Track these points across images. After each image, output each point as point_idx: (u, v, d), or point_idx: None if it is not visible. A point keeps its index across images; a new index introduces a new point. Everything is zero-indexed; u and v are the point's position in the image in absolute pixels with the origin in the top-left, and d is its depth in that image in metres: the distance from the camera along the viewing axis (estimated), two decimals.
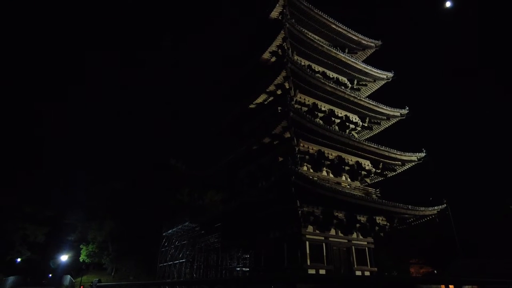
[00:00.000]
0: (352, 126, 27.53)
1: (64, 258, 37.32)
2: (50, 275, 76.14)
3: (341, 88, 26.68)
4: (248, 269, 24.58)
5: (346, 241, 22.33)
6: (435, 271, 42.23)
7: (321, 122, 26.12)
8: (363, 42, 31.10)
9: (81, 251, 44.42)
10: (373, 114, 27.48)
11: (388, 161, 25.86)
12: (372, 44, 31.63)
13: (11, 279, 36.39)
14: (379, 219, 23.37)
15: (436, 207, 24.11)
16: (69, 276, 40.65)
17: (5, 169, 42.06)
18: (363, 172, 25.66)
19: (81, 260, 44.20)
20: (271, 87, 24.37)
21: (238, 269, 25.90)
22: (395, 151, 24.90)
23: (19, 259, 49.29)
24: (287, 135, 21.87)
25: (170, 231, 34.00)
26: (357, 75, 29.35)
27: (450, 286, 11.36)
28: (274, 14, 26.83)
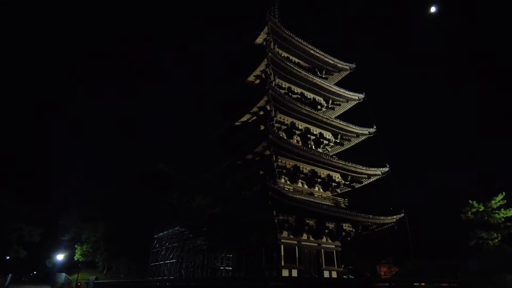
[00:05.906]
0: (325, 142, 30.93)
1: (60, 257, 39.70)
2: (35, 272, 77.24)
3: (316, 109, 30.26)
4: (231, 269, 27.79)
5: (316, 244, 25.71)
6: None
7: (298, 139, 29.71)
8: (339, 65, 34.60)
9: (76, 251, 46.85)
10: (344, 132, 30.96)
11: (355, 174, 29.37)
12: (347, 67, 35.13)
13: (10, 276, 38.61)
14: (346, 226, 26.90)
15: (395, 216, 27.69)
16: (64, 274, 42.90)
17: (4, 171, 43.97)
18: (333, 184, 29.17)
19: (75, 259, 46.65)
20: (255, 109, 27.72)
21: (222, 268, 29.07)
22: (361, 167, 28.41)
23: (8, 257, 51.08)
24: (267, 153, 25.12)
25: (161, 233, 36.83)
26: (331, 96, 32.76)
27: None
28: (259, 40, 30.11)
